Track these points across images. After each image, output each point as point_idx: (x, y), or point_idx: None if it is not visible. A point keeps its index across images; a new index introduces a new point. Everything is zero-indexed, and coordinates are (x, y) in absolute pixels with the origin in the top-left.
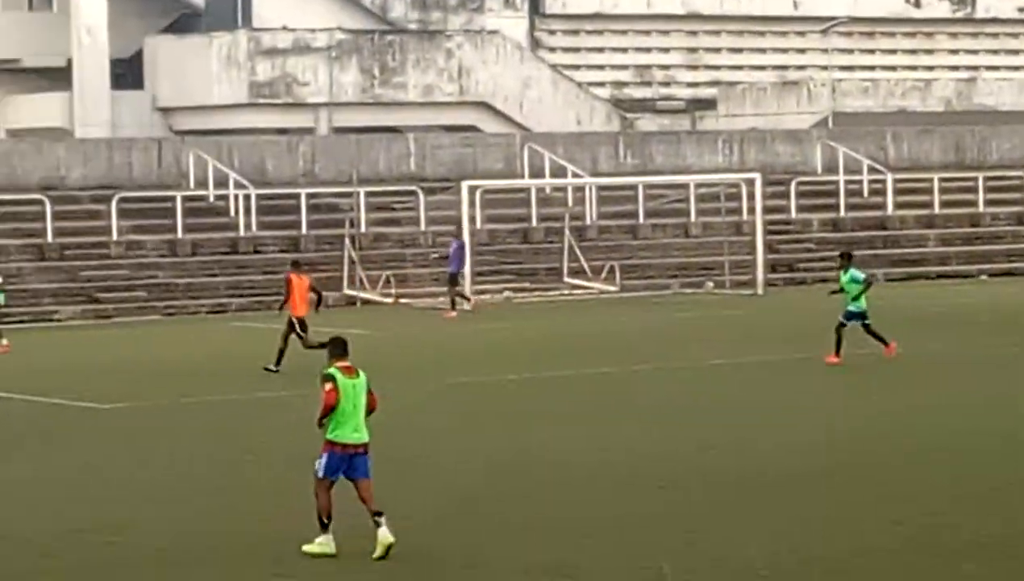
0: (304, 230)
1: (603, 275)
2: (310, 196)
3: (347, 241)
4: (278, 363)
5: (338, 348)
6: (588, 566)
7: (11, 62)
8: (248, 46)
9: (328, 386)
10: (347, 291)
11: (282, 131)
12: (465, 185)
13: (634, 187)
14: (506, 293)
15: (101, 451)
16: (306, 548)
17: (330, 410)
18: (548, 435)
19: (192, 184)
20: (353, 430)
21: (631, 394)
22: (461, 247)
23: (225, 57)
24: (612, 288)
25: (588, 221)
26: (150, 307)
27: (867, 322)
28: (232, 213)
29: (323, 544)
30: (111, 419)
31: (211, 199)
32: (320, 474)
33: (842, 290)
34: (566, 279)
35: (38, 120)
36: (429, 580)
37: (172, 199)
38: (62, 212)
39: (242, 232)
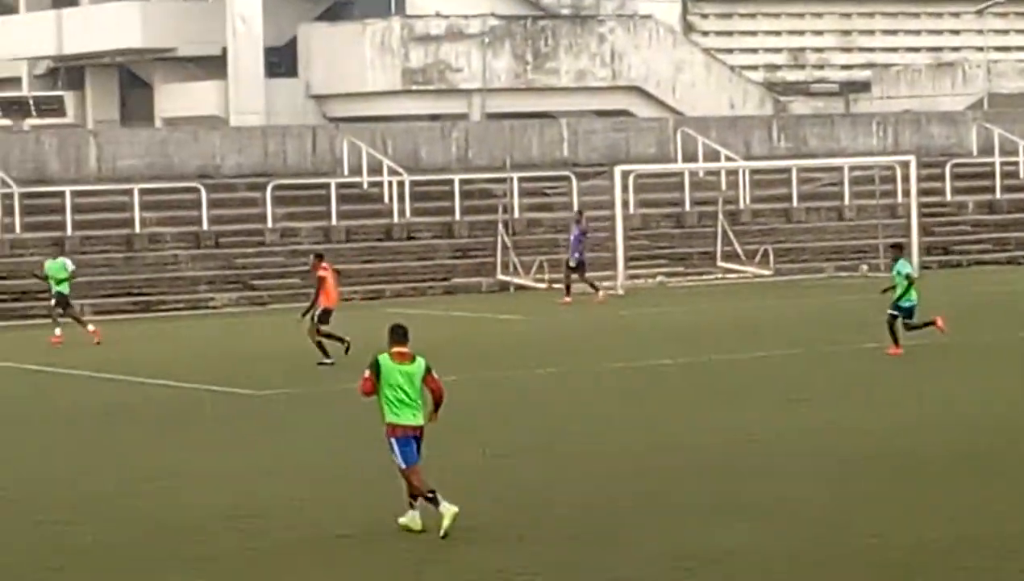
0: (457, 216)
1: (757, 259)
2: (463, 182)
3: (500, 227)
4: (327, 353)
5: (396, 334)
6: (739, 551)
7: (167, 51)
8: (401, 33)
9: (366, 373)
10: (500, 277)
11: (435, 117)
12: (618, 170)
13: (788, 170)
14: (659, 278)
15: (255, 438)
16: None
17: (366, 394)
18: (706, 419)
19: (346, 171)
20: (411, 414)
21: (789, 378)
22: (582, 233)
23: (379, 44)
24: (766, 272)
25: (741, 205)
26: (304, 294)
27: (909, 320)
28: (386, 199)
29: (410, 520)
30: (265, 406)
31: (365, 186)
32: (404, 465)
33: (895, 287)
34: (719, 263)
35: (193, 109)
36: (581, 559)
37: (326, 186)
38: (217, 200)
39: (396, 218)
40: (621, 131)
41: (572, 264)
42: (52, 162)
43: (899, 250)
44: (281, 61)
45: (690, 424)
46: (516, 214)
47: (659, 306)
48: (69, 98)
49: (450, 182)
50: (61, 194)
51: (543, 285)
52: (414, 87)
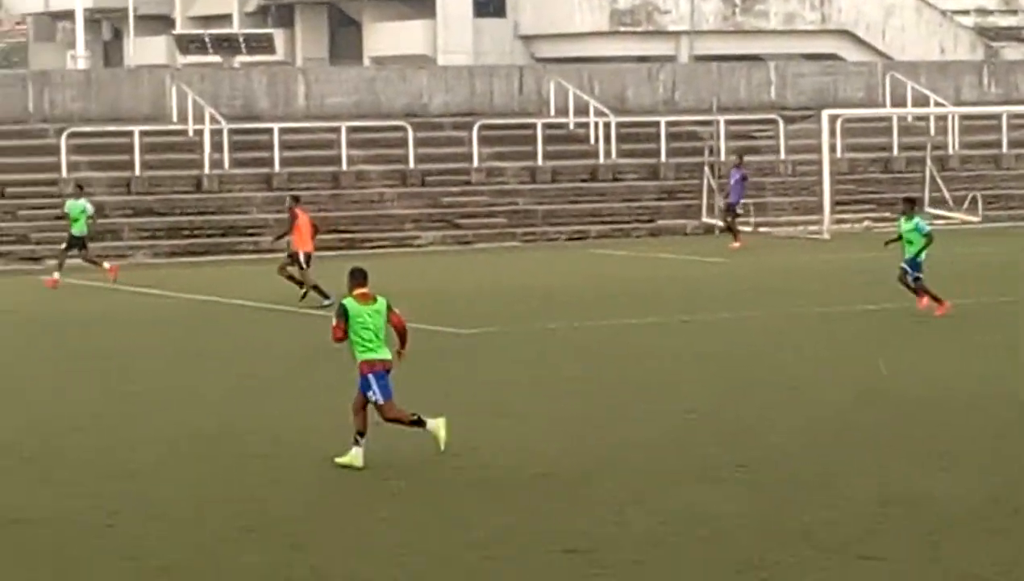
0: (663, 158)
1: (965, 206)
2: (670, 124)
3: (706, 169)
4: (306, 293)
5: (357, 277)
6: (942, 497)
7: None
8: None
9: (334, 322)
10: (705, 219)
11: (642, 59)
12: (826, 114)
13: (998, 116)
14: (866, 222)
15: (461, 376)
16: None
17: (337, 339)
18: (913, 365)
19: (552, 111)
20: (383, 350)
21: (995, 325)
22: (743, 178)
23: None
24: (974, 219)
25: (950, 151)
26: (509, 233)
27: (919, 277)
28: (592, 140)
29: (354, 456)
30: (471, 344)
31: (571, 127)
32: (381, 400)
33: (899, 238)
34: (927, 209)
35: (401, 48)
36: (784, 504)
37: (533, 126)
38: (424, 138)
39: (602, 160)
40: (829, 75)
41: (739, 210)
42: (261, 99)
43: (911, 205)
44: (489, 1)
45: (900, 370)
46: (722, 157)
47: (865, 251)
48: (279, 36)
49: (656, 124)
50: (269, 131)
51: (748, 228)
52: (622, 28)
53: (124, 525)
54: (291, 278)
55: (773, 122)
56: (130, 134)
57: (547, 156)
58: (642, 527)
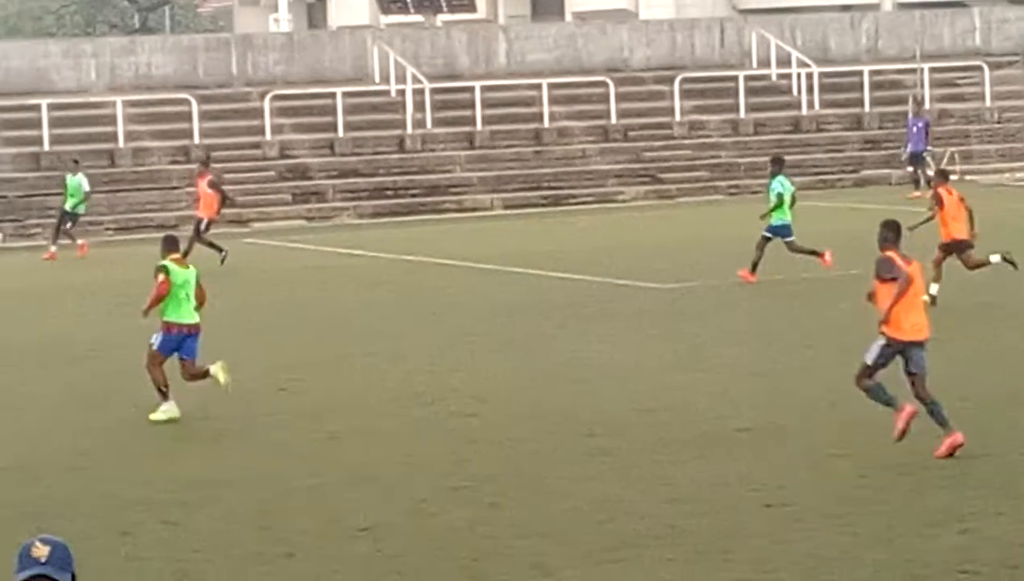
0: (867, 108)
1: None
2: (873, 73)
3: (910, 118)
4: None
5: (170, 245)
6: None
7: None
8: None
9: (161, 277)
10: (910, 169)
11: (845, 8)
12: None
13: None
14: None
15: (663, 331)
16: (152, 417)
17: (160, 299)
18: None
19: (755, 63)
20: (188, 313)
21: None
22: (927, 125)
23: None
24: None
25: None
26: (712, 187)
27: (791, 240)
28: (795, 92)
29: (167, 411)
30: (673, 298)
31: (773, 78)
32: (155, 348)
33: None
34: None
35: (603, 2)
36: (988, 457)
37: (734, 79)
38: (626, 93)
39: (804, 111)
40: None
41: (928, 157)
42: (462, 57)
43: (778, 165)
44: None
45: None
46: (927, 105)
47: None
48: None
49: (859, 73)
50: (471, 89)
51: (955, 176)
52: None
53: (329, 487)
54: (211, 244)
55: (978, 69)
56: (333, 96)
57: (749, 108)
58: (842, 478)
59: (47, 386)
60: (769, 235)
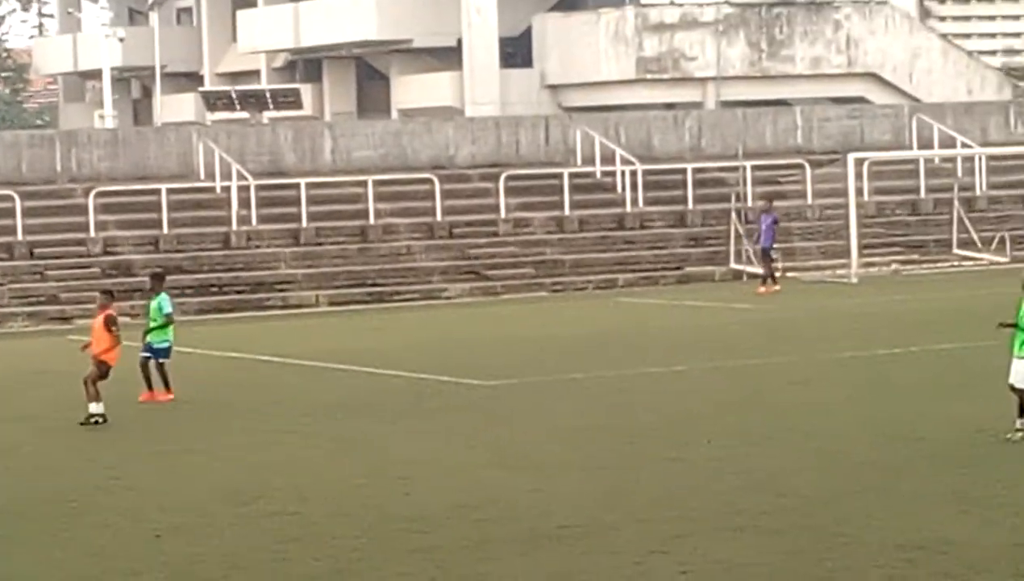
0: (690, 205)
1: (993, 246)
2: (696, 170)
3: (733, 215)
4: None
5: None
6: (965, 542)
7: (403, 43)
8: (636, 22)
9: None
10: (733, 265)
11: (669, 106)
12: (852, 157)
13: None
14: (894, 265)
15: (485, 428)
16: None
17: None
18: (936, 409)
19: (579, 160)
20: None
21: None
22: (775, 221)
23: (613, 33)
24: (1002, 259)
25: (978, 192)
26: (537, 284)
27: (163, 362)
28: (619, 189)
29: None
30: (497, 396)
31: (598, 175)
32: None
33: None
34: (955, 250)
35: (429, 100)
36: (806, 552)
37: (559, 176)
38: (451, 190)
39: (628, 208)
40: (856, 118)
41: (773, 254)
42: (288, 154)
43: (159, 281)
44: (516, 51)
45: (920, 414)
46: (749, 202)
47: (893, 294)
48: (306, 91)
49: (683, 171)
50: (296, 186)
51: (778, 273)
52: (648, 76)
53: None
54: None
55: (799, 167)
56: (157, 192)
57: (574, 205)
58: (664, 577)
59: None
60: (149, 355)
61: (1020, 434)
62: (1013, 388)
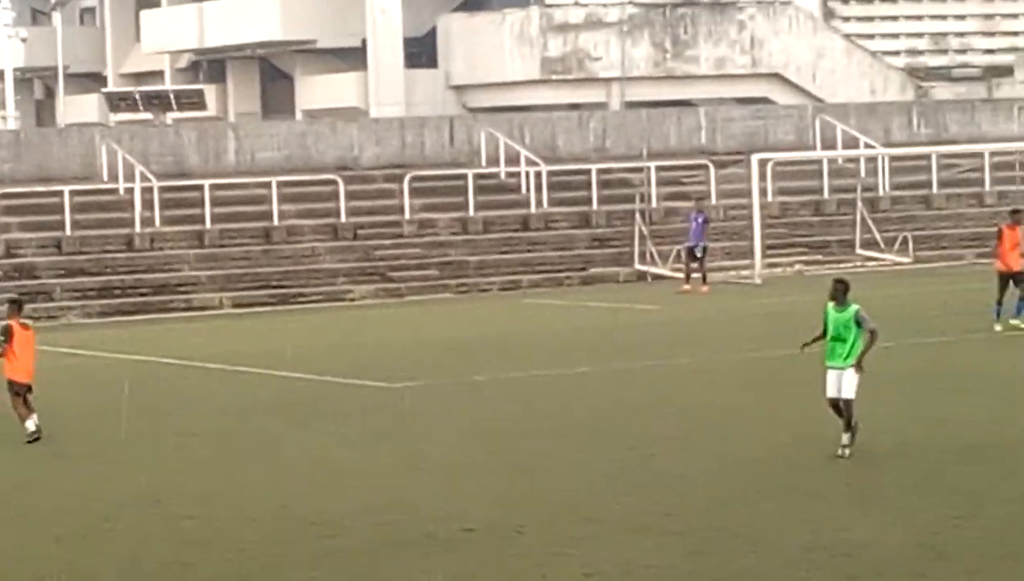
0: (595, 206)
1: (896, 247)
2: (601, 171)
3: (637, 216)
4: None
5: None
6: (868, 543)
7: (307, 43)
8: (540, 22)
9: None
10: (638, 266)
11: (574, 106)
12: (755, 158)
13: (928, 157)
14: (797, 266)
15: (390, 430)
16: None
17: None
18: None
19: (484, 161)
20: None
21: (922, 368)
22: (706, 220)
23: (517, 34)
24: (905, 260)
25: (881, 192)
26: (442, 285)
27: None
28: (523, 190)
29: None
30: (402, 398)
31: (503, 176)
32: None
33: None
34: (859, 251)
35: (334, 100)
36: (711, 553)
37: (464, 177)
38: (356, 192)
39: (533, 209)
40: (760, 119)
41: (698, 253)
42: (191, 155)
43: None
44: (420, 52)
45: (822, 414)
46: (654, 203)
47: (797, 295)
48: (211, 91)
49: (587, 172)
50: (200, 188)
51: (680, 274)
52: (553, 76)
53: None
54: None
55: (703, 167)
56: (60, 194)
57: (479, 206)
58: (568, 579)
59: None
60: None
61: (848, 450)
62: (831, 401)
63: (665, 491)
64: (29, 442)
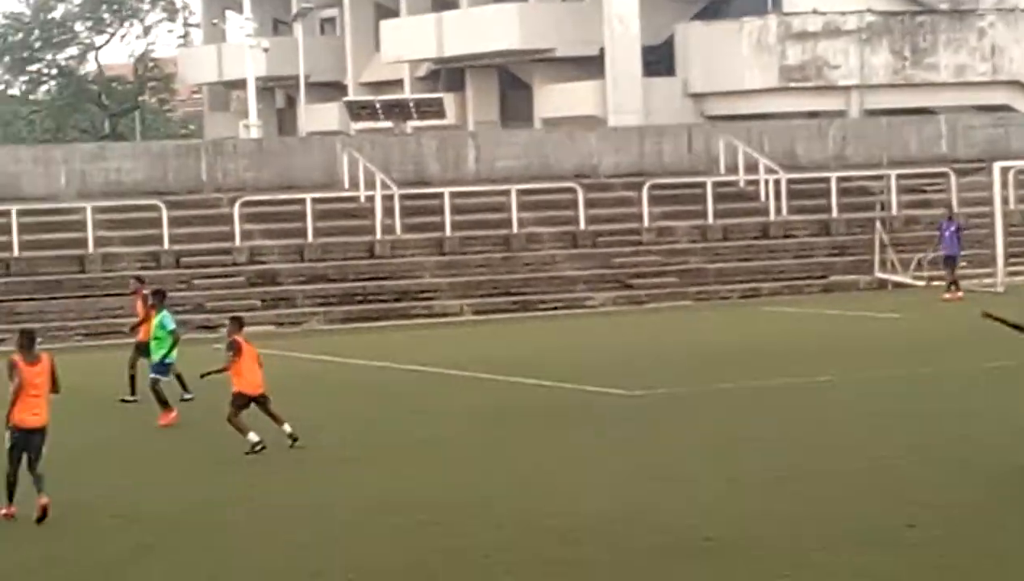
0: (835, 214)
1: None
2: (840, 179)
3: (878, 224)
4: (132, 392)
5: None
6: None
7: (545, 52)
8: (778, 30)
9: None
10: (878, 274)
11: (812, 114)
12: (997, 166)
13: None
14: None
15: (632, 438)
16: None
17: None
18: None
19: (723, 169)
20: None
21: None
22: (959, 228)
23: (755, 42)
24: None
25: None
26: (681, 293)
27: (158, 379)
28: (762, 198)
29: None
30: (644, 405)
31: (741, 184)
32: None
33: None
34: None
35: (571, 109)
36: (952, 567)
37: (703, 185)
38: (594, 199)
39: (772, 217)
40: (1000, 126)
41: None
42: (432, 164)
43: (161, 299)
44: (658, 60)
45: None
46: (894, 211)
47: None
48: (449, 100)
49: (827, 180)
50: (440, 195)
51: (922, 282)
52: (791, 84)
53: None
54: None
55: (944, 175)
56: (302, 202)
57: (718, 214)
58: None
59: None
60: (158, 376)
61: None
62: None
63: (909, 502)
64: (248, 453)
